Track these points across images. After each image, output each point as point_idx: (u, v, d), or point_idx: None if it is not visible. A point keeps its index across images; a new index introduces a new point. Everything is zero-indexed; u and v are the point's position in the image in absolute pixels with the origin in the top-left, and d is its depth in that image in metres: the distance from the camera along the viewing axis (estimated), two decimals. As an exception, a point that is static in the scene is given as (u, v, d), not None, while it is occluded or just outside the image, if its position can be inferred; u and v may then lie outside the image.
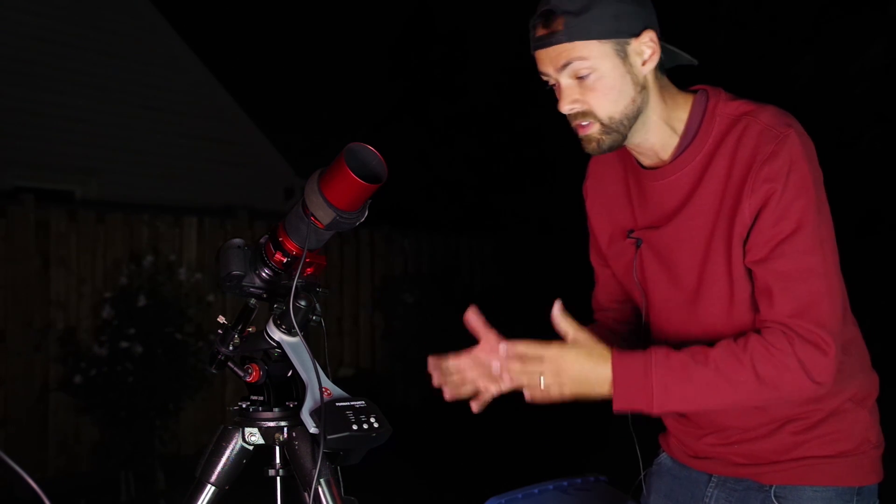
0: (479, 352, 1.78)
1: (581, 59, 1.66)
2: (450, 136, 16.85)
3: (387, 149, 1.67)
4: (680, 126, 1.76)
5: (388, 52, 17.87)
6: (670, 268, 1.80)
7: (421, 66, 17.24)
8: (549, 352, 1.65)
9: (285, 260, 1.70)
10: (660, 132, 1.76)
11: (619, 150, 1.87)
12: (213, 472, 1.73)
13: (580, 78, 1.68)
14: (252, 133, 11.78)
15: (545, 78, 1.73)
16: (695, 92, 1.79)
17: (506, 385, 1.71)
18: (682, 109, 1.76)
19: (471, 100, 17.25)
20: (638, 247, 1.84)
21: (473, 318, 1.79)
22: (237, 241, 1.74)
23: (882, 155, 10.57)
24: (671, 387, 1.63)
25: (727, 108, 1.74)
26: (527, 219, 14.30)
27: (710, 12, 11.65)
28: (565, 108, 1.71)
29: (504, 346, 1.68)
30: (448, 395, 1.80)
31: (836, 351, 1.63)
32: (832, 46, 11.01)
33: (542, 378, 1.65)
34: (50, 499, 1.34)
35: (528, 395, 1.70)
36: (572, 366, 1.65)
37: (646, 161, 1.81)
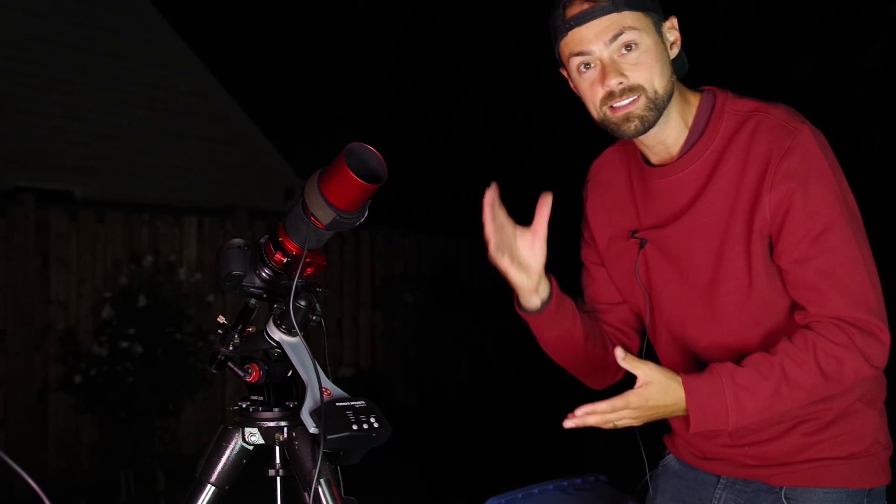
0: (525, 233, 1.75)
1: (632, 28, 1.66)
2: (450, 136, 16.85)
3: (387, 149, 1.67)
4: (690, 122, 1.76)
5: (389, 53, 17.87)
6: (680, 265, 1.79)
7: (421, 66, 17.24)
8: (633, 401, 1.62)
9: (285, 260, 1.70)
10: (676, 125, 1.76)
11: (624, 150, 1.88)
12: (213, 472, 1.73)
13: (624, 53, 1.67)
14: (252, 133, 11.78)
15: (582, 59, 1.70)
16: (701, 91, 1.80)
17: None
18: (692, 106, 1.77)
19: (471, 100, 17.25)
20: (642, 247, 1.83)
21: (544, 208, 1.75)
22: (237, 241, 1.74)
23: (882, 155, 10.57)
24: (745, 405, 1.64)
25: (736, 104, 1.75)
26: (527, 219, 14.26)
27: (709, 12, 11.64)
28: (613, 81, 1.67)
29: (583, 410, 1.62)
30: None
31: (888, 335, 1.66)
32: (832, 46, 11.01)
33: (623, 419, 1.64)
34: (50, 499, 1.34)
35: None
36: (653, 405, 1.63)
37: (654, 158, 1.81)
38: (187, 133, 10.85)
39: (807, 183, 1.65)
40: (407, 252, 9.70)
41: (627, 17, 1.66)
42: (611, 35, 1.66)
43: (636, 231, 1.84)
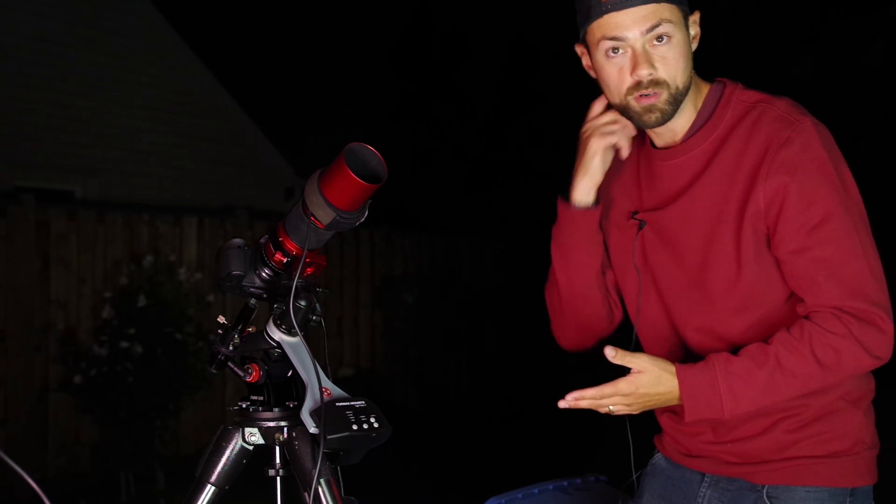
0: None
1: (669, 21, 1.68)
2: (450, 136, 16.86)
3: (387, 149, 1.67)
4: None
5: (389, 53, 17.88)
6: (674, 247, 1.81)
7: (421, 66, 17.24)
8: (623, 388, 1.66)
9: (285, 260, 1.70)
10: (686, 113, 1.78)
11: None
12: (213, 472, 1.73)
13: (656, 44, 1.68)
14: (252, 133, 11.78)
15: (614, 44, 1.69)
16: (713, 82, 1.83)
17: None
18: (702, 94, 1.80)
19: (471, 99, 17.26)
20: (640, 228, 1.85)
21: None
22: (237, 241, 1.74)
23: (882, 155, 10.57)
24: (739, 393, 1.65)
25: (743, 95, 1.77)
26: (527, 218, 14.29)
27: (710, 12, 11.66)
28: (644, 72, 1.68)
29: (573, 395, 1.66)
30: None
31: (891, 325, 1.65)
32: (832, 46, 11.02)
33: (614, 406, 1.68)
34: (50, 499, 1.34)
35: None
36: (644, 392, 1.66)
37: (659, 141, 1.83)
38: (187, 133, 10.85)
39: (803, 173, 1.66)
40: (407, 252, 9.70)
41: (665, 10, 1.67)
42: (649, 25, 1.67)
43: (636, 212, 1.86)
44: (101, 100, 9.93)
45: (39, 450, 6.37)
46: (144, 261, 6.83)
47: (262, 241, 1.74)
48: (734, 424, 1.79)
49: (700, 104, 1.79)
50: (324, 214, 1.62)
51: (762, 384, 1.65)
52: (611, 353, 1.63)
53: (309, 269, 1.70)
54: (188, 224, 7.43)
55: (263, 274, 1.72)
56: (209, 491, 1.72)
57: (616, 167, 1.93)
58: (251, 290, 1.73)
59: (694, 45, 1.76)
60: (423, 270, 9.80)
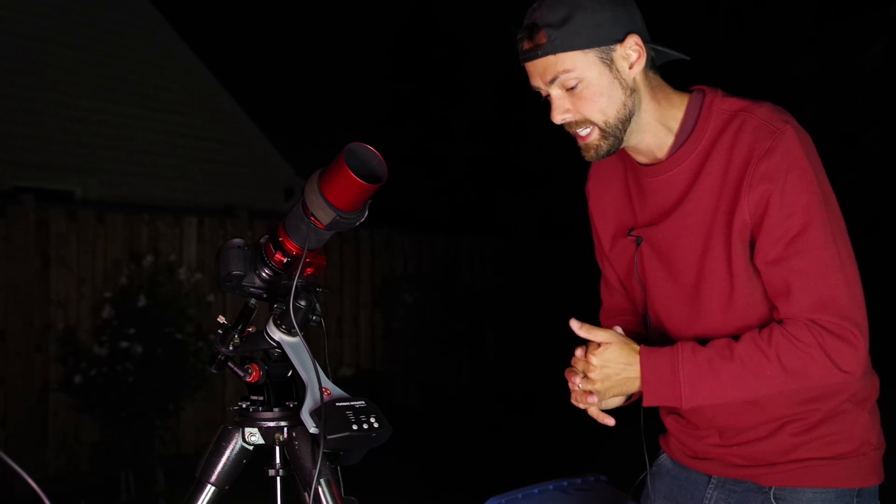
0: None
1: (566, 71, 1.69)
2: (450, 136, 16.86)
3: (387, 149, 1.67)
4: (675, 124, 1.77)
5: (389, 53, 17.89)
6: (670, 263, 1.80)
7: (421, 67, 17.25)
8: (590, 358, 1.71)
9: (285, 260, 1.70)
10: (654, 132, 1.77)
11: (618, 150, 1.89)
12: (213, 472, 1.73)
13: (570, 89, 1.70)
14: (252, 133, 11.77)
15: (536, 90, 1.75)
16: (692, 92, 1.80)
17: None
18: (677, 108, 1.77)
19: (471, 99, 17.26)
20: (638, 245, 1.84)
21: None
22: (237, 241, 1.74)
23: (882, 155, 10.56)
24: (698, 383, 1.66)
25: (723, 104, 1.75)
26: (527, 219, 14.30)
27: (709, 12, 11.64)
28: (557, 118, 1.73)
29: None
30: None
31: (864, 341, 1.64)
32: (832, 46, 11.00)
33: (579, 383, 1.73)
34: (50, 499, 1.34)
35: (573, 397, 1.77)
36: (606, 366, 1.71)
37: (643, 160, 1.82)
38: (187, 133, 10.85)
39: (785, 183, 1.65)
40: (407, 252, 9.70)
41: (563, 60, 1.68)
42: (549, 77, 1.71)
43: (632, 229, 1.86)
44: (101, 100, 9.93)
45: (39, 450, 6.37)
46: (144, 261, 6.83)
47: (262, 241, 1.74)
48: (741, 428, 1.79)
49: (675, 119, 1.76)
50: (324, 214, 1.62)
51: (722, 378, 1.66)
52: (576, 325, 1.71)
53: (309, 269, 1.70)
54: (188, 224, 7.43)
55: (263, 274, 1.72)
56: (209, 491, 1.73)
57: (606, 182, 1.93)
58: (251, 290, 1.73)
59: (634, 70, 1.70)
60: (423, 270, 9.80)
